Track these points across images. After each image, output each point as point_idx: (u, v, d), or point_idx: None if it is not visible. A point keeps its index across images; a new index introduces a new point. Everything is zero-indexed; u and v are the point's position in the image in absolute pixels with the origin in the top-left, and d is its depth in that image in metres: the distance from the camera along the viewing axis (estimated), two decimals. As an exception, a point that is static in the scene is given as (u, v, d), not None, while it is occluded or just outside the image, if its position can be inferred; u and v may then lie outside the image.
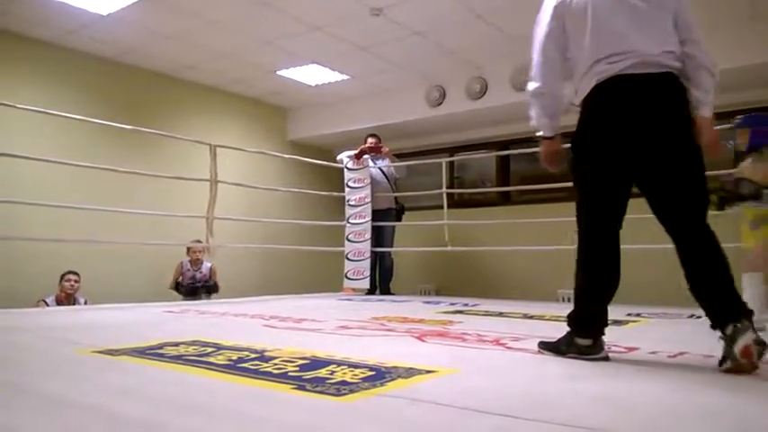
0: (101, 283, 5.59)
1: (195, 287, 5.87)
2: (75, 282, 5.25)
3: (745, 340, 1.81)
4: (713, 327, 1.95)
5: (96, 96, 6.01)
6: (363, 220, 6.16)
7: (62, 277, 5.23)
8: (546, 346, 2.27)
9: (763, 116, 3.50)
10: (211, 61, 6.33)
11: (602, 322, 2.15)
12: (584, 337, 2.12)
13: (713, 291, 1.97)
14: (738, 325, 1.85)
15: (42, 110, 4.36)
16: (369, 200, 6.18)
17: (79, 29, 5.45)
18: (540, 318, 3.72)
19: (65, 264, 5.30)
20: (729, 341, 1.86)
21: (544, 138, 2.29)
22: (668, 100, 2.05)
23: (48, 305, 5.00)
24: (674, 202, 2.06)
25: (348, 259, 6.16)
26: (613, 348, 2.29)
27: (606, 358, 2.10)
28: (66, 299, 5.17)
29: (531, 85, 2.22)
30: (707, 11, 4.85)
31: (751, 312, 1.90)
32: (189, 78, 6.86)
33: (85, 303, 5.17)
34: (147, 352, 2.25)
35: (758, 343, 1.81)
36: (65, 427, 1.31)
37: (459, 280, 7.01)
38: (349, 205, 6.29)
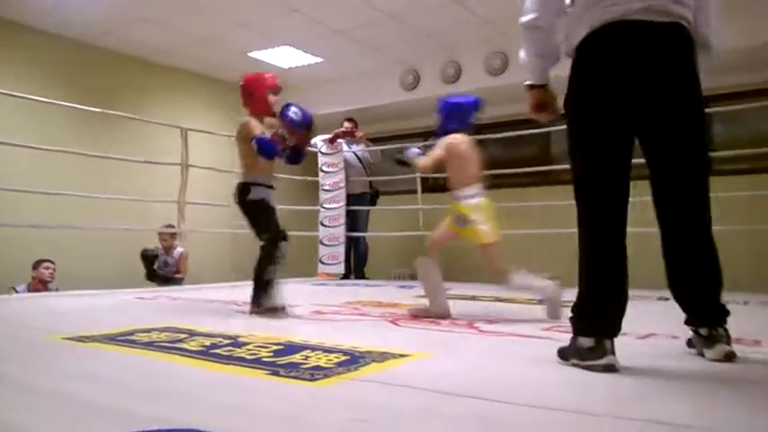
0: (73, 270, 5.48)
1: (167, 276, 5.77)
2: (54, 270, 5.13)
3: (717, 352, 1.77)
4: (687, 322, 1.88)
5: (67, 80, 5.84)
6: (337, 205, 6.14)
7: (37, 264, 5.10)
8: (559, 354, 1.85)
9: (449, 102, 3.20)
10: (186, 45, 6.20)
11: (611, 316, 1.73)
12: (585, 336, 1.73)
13: (697, 294, 1.85)
14: (714, 332, 1.80)
15: (8, 92, 4.24)
16: (343, 184, 6.16)
17: (53, 10, 5.29)
18: (512, 301, 3.77)
19: (35, 251, 5.18)
20: (703, 341, 1.82)
21: (533, 86, 2.03)
22: (675, 56, 1.75)
23: (18, 293, 4.88)
24: (673, 176, 1.81)
25: (322, 244, 6.14)
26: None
27: (610, 368, 1.66)
28: (43, 287, 5.07)
29: (525, 18, 1.89)
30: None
31: (727, 314, 1.82)
32: (163, 63, 6.71)
33: (56, 291, 5.06)
34: (118, 338, 2.22)
35: (728, 357, 1.77)
36: (32, 414, 1.29)
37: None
38: (323, 190, 6.26)
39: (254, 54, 6.55)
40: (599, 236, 1.80)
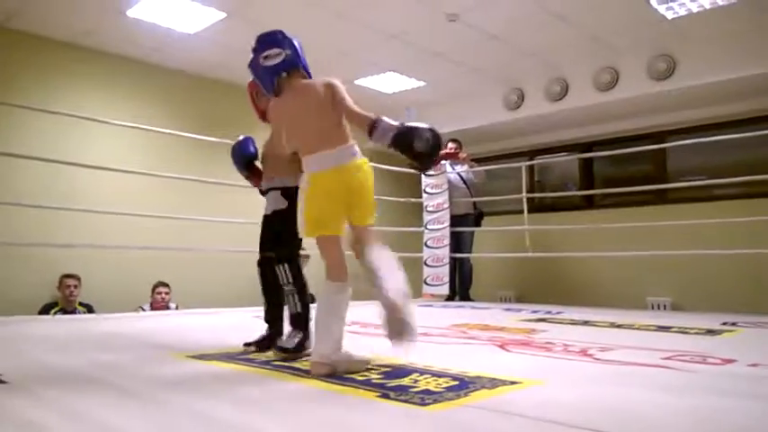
0: (189, 289, 5.83)
1: None
2: (166, 294, 5.50)
3: None
4: None
5: (181, 111, 6.29)
6: (441, 226, 6.15)
7: (153, 289, 5.51)
8: None
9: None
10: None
11: None
12: None
13: None
14: None
15: (132, 125, 4.63)
16: (447, 205, 6.16)
17: (165, 47, 5.76)
18: (630, 327, 3.58)
19: (156, 271, 5.60)
20: None
21: None
22: None
23: (144, 311, 5.30)
24: None
25: (427, 265, 6.16)
26: (708, 360, 2.17)
27: None
28: (164, 306, 5.47)
29: None
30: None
31: None
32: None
33: (176, 308, 5.43)
34: (237, 357, 2.34)
35: None
36: (160, 428, 1.38)
37: (540, 287, 6.85)
38: (427, 211, 6.29)
39: (360, 81, 6.75)
40: None
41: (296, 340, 2.35)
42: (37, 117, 4.81)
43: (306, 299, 2.52)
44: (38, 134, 5.08)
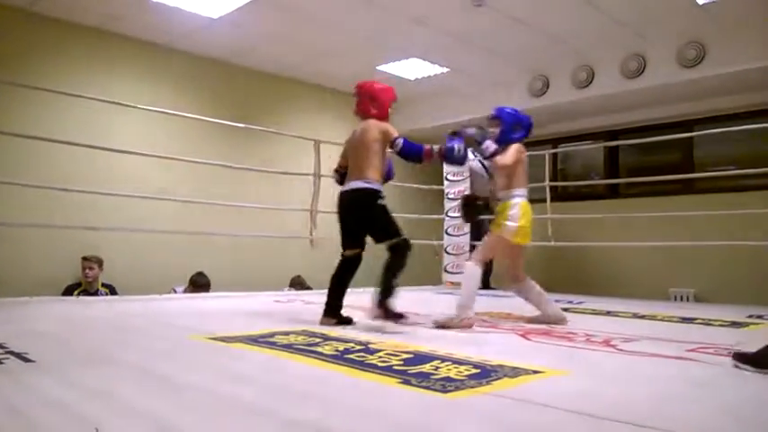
0: (223, 272, 5.89)
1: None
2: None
3: None
4: None
5: (206, 97, 6.32)
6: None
7: (192, 281, 5.56)
8: (743, 359, 1.94)
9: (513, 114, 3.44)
10: (315, 60, 6.49)
11: None
12: None
13: None
14: None
15: (160, 110, 4.67)
16: (468, 193, 6.12)
17: (190, 32, 5.77)
18: (653, 318, 3.54)
19: (183, 256, 5.67)
20: None
21: None
22: None
23: (176, 293, 5.36)
24: None
25: (447, 253, 6.14)
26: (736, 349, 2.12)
27: None
28: (194, 289, 5.51)
29: None
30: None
31: None
32: (293, 77, 7.08)
33: (184, 291, 5.45)
34: (260, 340, 2.36)
35: None
36: (176, 408, 1.40)
37: (562, 276, 6.78)
38: (448, 198, 6.26)
39: (382, 67, 6.71)
40: None
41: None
42: (60, 101, 4.86)
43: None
44: (63, 118, 5.14)
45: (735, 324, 3.26)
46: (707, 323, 3.29)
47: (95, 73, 5.54)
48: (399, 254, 2.98)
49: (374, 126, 3.15)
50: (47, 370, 1.77)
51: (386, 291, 2.93)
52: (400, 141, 3.07)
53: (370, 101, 3.24)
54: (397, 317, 2.91)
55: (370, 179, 3.08)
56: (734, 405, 1.52)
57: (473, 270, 3.14)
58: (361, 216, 3.09)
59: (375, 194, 3.07)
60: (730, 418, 1.41)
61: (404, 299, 3.06)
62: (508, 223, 3.15)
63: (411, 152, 3.10)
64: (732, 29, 5.21)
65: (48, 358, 1.93)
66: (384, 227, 3.05)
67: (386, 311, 2.91)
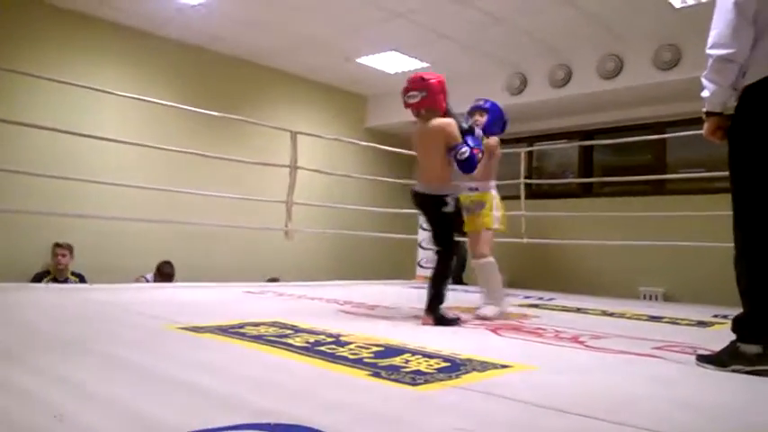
0: (189, 263, 5.84)
1: None
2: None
3: None
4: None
5: (182, 83, 6.24)
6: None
7: (158, 268, 5.54)
8: (706, 359, 1.98)
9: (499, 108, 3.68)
10: (294, 49, 6.45)
11: None
12: (750, 343, 1.85)
13: None
14: None
15: (134, 96, 4.59)
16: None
17: (168, 18, 5.69)
18: (621, 315, 3.60)
19: (156, 244, 5.60)
20: None
21: (711, 114, 2.01)
22: None
23: (147, 281, 5.31)
24: None
25: (422, 247, 6.16)
26: (699, 352, 2.17)
27: None
28: (164, 278, 5.49)
29: (720, 51, 1.91)
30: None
31: None
32: (272, 66, 7.02)
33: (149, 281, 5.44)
34: (230, 330, 2.34)
35: None
36: (150, 398, 1.38)
37: (533, 273, 6.86)
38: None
39: (362, 60, 6.68)
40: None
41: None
42: (31, 84, 4.75)
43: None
44: (35, 102, 5.03)
45: (701, 323, 3.33)
46: (674, 322, 3.35)
47: (69, 57, 5.45)
48: (443, 263, 3.02)
49: (447, 125, 3.02)
50: (14, 358, 1.73)
51: (434, 297, 2.94)
52: (463, 153, 2.95)
53: (439, 94, 3.06)
54: (450, 322, 2.88)
55: (435, 183, 3.06)
56: (696, 400, 1.55)
57: (489, 264, 3.33)
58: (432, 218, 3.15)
59: (440, 202, 3.03)
60: (692, 412, 1.43)
61: (377, 292, 3.06)
62: (494, 213, 3.38)
63: (472, 163, 2.99)
64: (707, 34, 5.30)
65: (15, 347, 1.88)
66: (442, 233, 3.09)
67: (435, 318, 2.88)
